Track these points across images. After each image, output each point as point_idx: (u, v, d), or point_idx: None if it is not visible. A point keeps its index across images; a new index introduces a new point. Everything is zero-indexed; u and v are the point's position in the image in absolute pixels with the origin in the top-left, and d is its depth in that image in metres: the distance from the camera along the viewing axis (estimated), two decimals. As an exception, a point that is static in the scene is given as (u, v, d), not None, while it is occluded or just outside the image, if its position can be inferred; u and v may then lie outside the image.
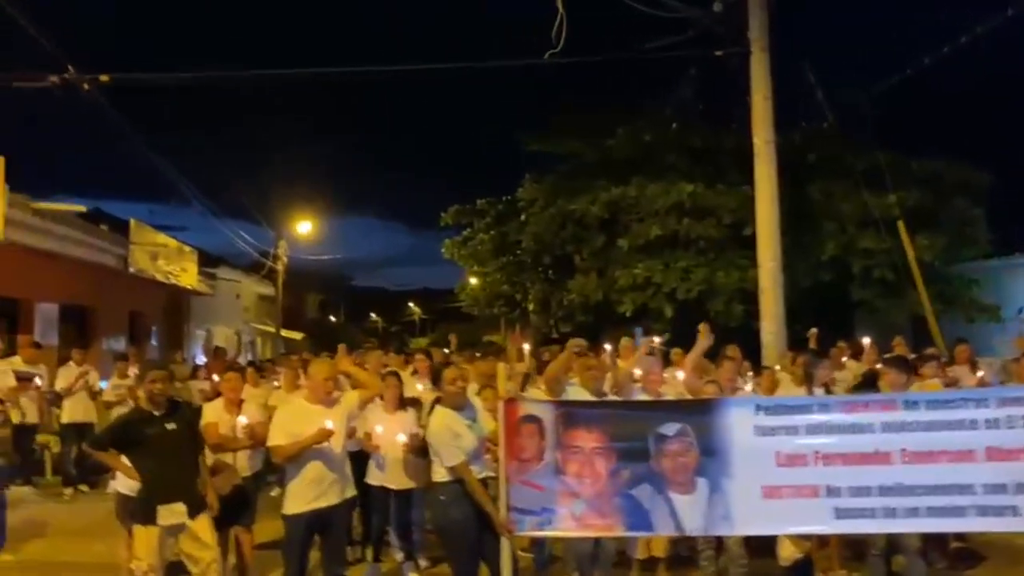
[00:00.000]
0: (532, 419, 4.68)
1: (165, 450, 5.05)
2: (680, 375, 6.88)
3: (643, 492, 4.52)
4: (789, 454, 4.43)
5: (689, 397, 6.14)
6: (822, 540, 5.75)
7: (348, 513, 5.68)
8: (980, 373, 7.79)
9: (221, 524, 5.48)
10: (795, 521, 4.55)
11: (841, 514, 4.36)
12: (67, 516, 8.92)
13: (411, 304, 67.84)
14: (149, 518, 5.00)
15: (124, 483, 5.65)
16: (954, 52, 11.17)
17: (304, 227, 29.01)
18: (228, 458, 5.98)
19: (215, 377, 8.84)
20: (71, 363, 10.66)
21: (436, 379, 5.75)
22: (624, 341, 8.76)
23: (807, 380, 6.69)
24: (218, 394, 6.67)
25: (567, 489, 4.60)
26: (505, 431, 4.68)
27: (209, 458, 5.71)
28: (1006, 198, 16.34)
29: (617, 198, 14.62)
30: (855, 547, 6.12)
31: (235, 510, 5.77)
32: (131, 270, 16.49)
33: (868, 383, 6.36)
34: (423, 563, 6.80)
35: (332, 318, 51.95)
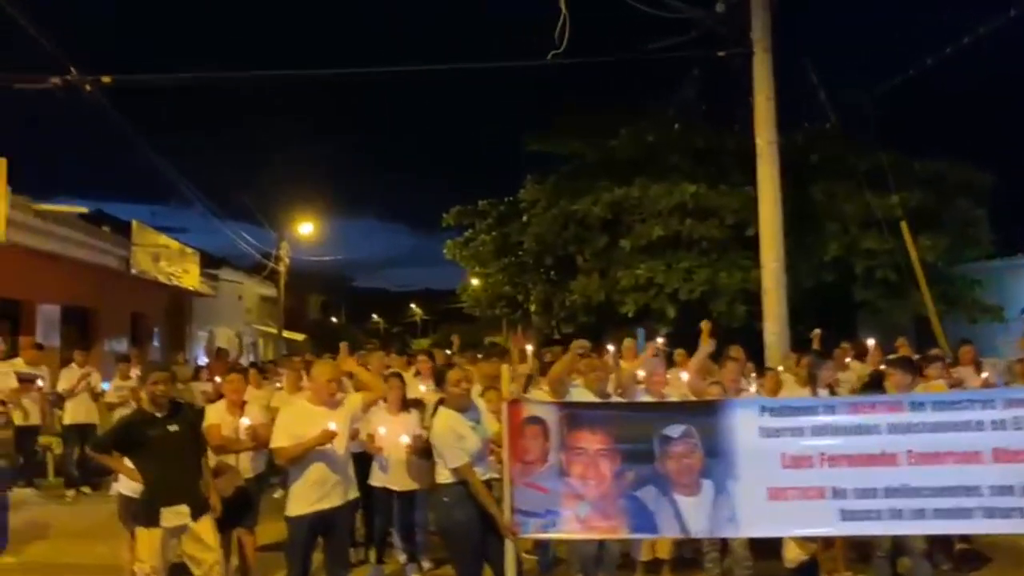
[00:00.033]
0: (536, 421, 4.66)
1: (167, 452, 5.04)
2: (684, 376, 6.86)
3: (648, 494, 4.50)
4: (794, 455, 4.40)
5: (693, 398, 6.12)
6: (827, 542, 5.72)
7: (351, 515, 5.67)
8: (985, 374, 7.76)
9: (224, 526, 5.47)
10: (801, 523, 4.53)
11: (847, 516, 4.34)
12: (69, 518, 8.91)
13: (413, 305, 67.85)
14: (152, 520, 4.99)
15: (126, 485, 5.65)
16: (957, 52, 11.15)
17: (306, 228, 29.02)
18: (231, 460, 5.96)
19: (217, 378, 8.84)
20: (73, 365, 10.65)
21: (439, 380, 5.72)
22: (627, 342, 8.75)
23: (811, 381, 6.66)
24: (220, 396, 6.66)
25: (571, 491, 4.58)
26: (509, 433, 4.66)
27: (212, 460, 5.70)
28: (1009, 198, 16.34)
29: (620, 199, 14.60)
30: (860, 549, 6.10)
31: (238, 512, 5.76)
32: (133, 271, 16.48)
33: (874, 384, 6.34)
34: (426, 565, 6.78)
35: (334, 319, 51.99)
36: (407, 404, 6.60)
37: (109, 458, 5.29)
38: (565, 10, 9.10)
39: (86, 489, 10.20)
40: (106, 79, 10.26)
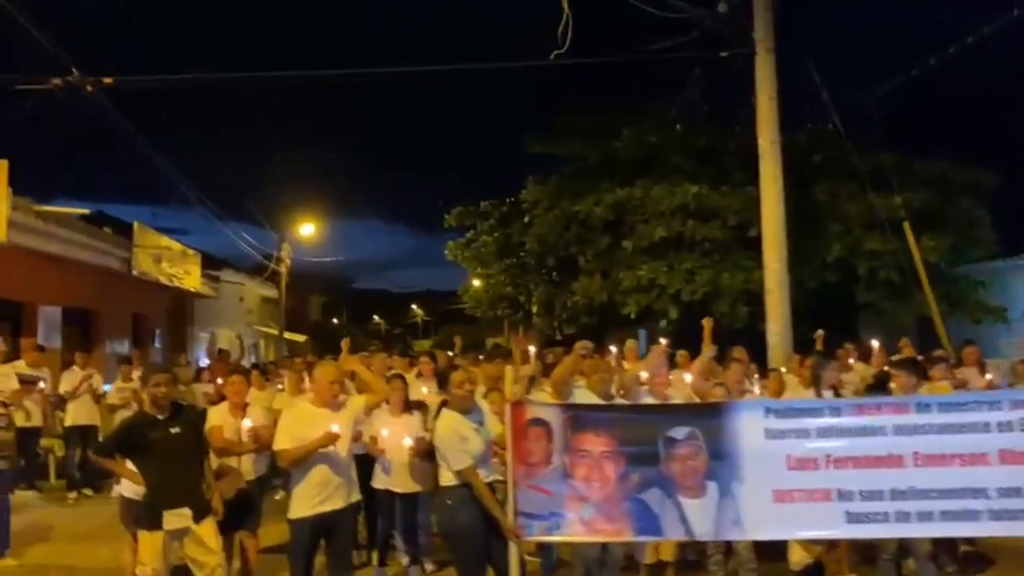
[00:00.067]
0: (539, 422, 4.64)
1: (169, 454, 5.02)
2: (687, 377, 6.84)
3: (652, 496, 4.48)
4: (800, 457, 4.39)
5: (697, 400, 6.09)
6: (832, 544, 5.69)
7: (353, 517, 5.63)
8: (989, 375, 7.74)
9: (226, 528, 5.44)
10: (806, 525, 4.51)
11: (853, 518, 4.32)
12: (71, 520, 8.89)
13: (414, 306, 67.86)
14: (154, 523, 4.96)
15: (128, 487, 5.63)
16: (960, 52, 11.14)
17: (307, 229, 29.05)
18: (233, 462, 5.94)
19: (219, 380, 8.81)
20: (75, 366, 10.64)
21: (442, 382, 5.69)
22: (629, 343, 8.72)
23: (815, 382, 6.63)
24: (222, 397, 6.64)
25: (575, 493, 4.56)
26: (512, 435, 4.64)
27: (214, 462, 5.68)
28: (1012, 199, 16.33)
29: (622, 199, 14.59)
30: (865, 551, 6.06)
31: (240, 514, 5.74)
32: (134, 273, 16.47)
33: (879, 385, 6.31)
34: (429, 567, 6.76)
35: (335, 320, 52.00)
36: (410, 406, 6.57)
37: (112, 462, 5.28)
38: (568, 10, 9.09)
39: (88, 491, 10.19)
40: (107, 80, 10.28)
